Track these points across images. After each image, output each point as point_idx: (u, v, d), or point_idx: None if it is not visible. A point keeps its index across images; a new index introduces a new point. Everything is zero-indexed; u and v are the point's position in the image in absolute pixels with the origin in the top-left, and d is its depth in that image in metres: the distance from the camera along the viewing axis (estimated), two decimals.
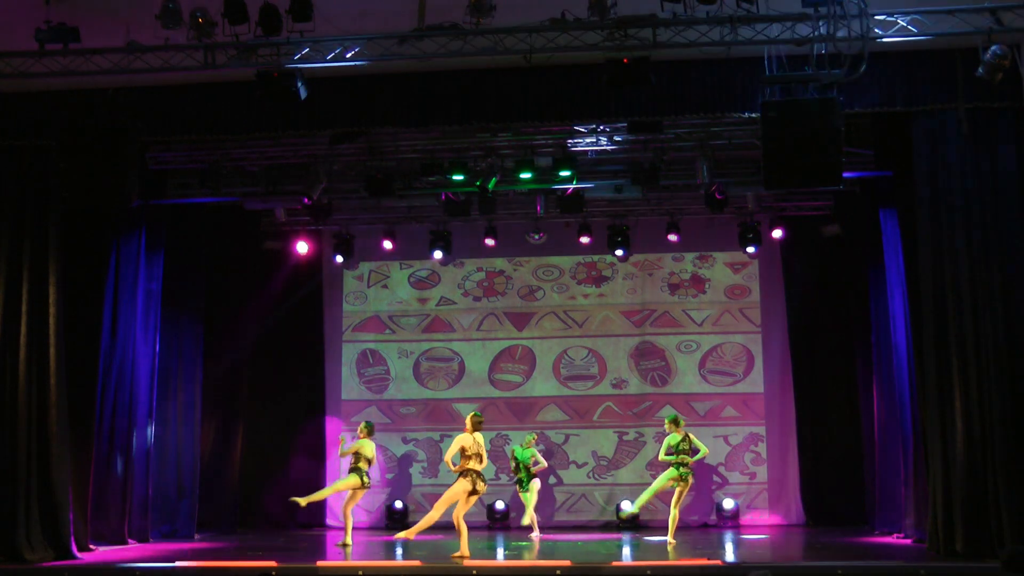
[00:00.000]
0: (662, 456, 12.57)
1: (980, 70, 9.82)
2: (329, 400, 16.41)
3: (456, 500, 11.08)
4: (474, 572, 10.26)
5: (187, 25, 9.99)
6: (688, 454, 12.38)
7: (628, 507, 14.20)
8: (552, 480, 15.71)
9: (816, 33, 9.62)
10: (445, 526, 15.10)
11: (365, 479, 12.72)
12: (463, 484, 10.99)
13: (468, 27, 9.99)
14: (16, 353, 11.47)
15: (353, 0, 10.27)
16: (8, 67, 10.51)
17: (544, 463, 14.37)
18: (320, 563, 10.70)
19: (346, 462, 13.06)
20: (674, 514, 12.48)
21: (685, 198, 14.82)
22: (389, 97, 11.23)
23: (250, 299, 16.05)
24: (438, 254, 15.62)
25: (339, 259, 16.06)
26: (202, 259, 14.72)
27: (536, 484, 14.09)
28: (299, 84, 10.10)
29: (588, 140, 12.77)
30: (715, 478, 15.53)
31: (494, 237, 15.57)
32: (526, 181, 13.10)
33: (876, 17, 9.75)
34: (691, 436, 12.53)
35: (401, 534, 11.65)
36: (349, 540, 12.73)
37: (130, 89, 10.98)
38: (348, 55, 10.27)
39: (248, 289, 16.02)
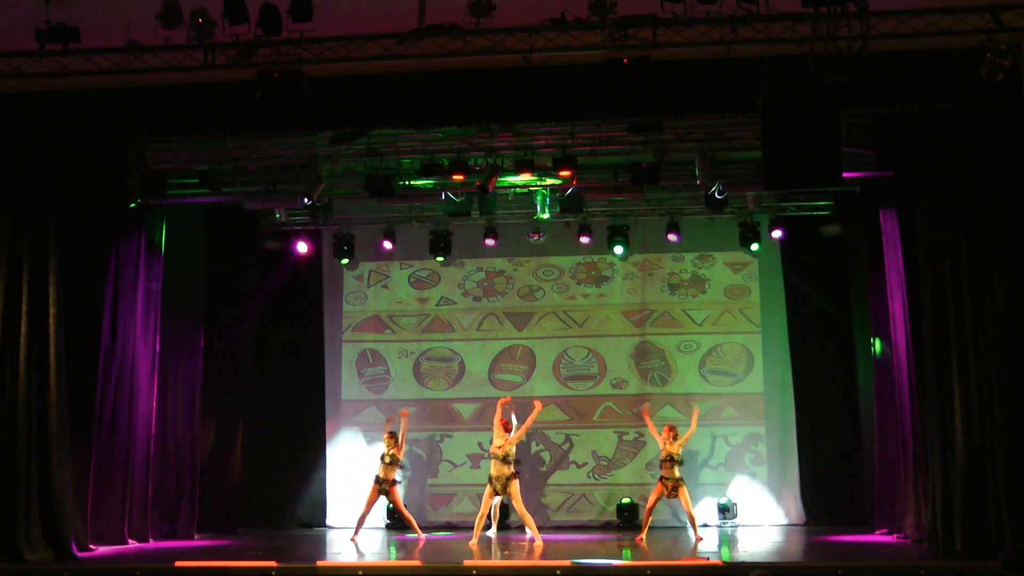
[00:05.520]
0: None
1: (980, 70, 9.82)
2: (329, 400, 16.38)
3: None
4: (474, 572, 10.24)
5: (187, 25, 9.97)
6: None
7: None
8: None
9: (816, 33, 9.61)
10: (443, 526, 15.26)
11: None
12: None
13: (468, 27, 9.98)
14: (16, 353, 11.45)
15: (353, 0, 10.26)
16: (8, 67, 10.50)
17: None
18: (320, 563, 10.69)
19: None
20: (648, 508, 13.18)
21: (685, 198, 14.82)
22: (389, 97, 11.21)
23: (250, 299, 16.02)
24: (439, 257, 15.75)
25: (339, 259, 16.07)
26: (202, 259, 14.69)
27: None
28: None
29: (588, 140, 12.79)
30: (715, 478, 15.52)
31: (494, 237, 15.58)
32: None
33: (876, 17, 9.73)
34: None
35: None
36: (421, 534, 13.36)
37: (130, 89, 10.96)
38: (348, 55, 10.27)
39: (248, 289, 15.98)
